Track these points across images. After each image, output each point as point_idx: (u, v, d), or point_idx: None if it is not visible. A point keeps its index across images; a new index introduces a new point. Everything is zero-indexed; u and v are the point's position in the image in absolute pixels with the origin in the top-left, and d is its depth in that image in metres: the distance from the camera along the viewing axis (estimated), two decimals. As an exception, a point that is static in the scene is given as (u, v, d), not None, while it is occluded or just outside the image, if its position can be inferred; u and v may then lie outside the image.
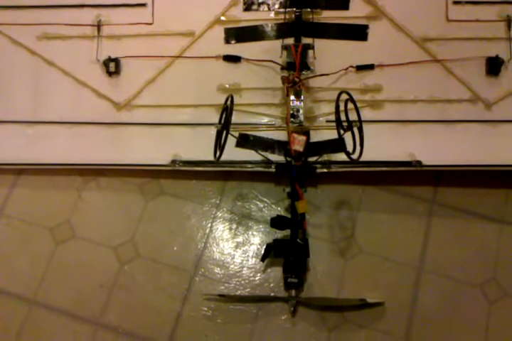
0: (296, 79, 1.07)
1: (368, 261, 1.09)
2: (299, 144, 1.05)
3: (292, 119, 1.09)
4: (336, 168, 1.09)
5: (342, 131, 0.92)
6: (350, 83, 1.15)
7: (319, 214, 1.12)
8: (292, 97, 1.10)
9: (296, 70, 1.08)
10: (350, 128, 0.89)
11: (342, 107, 0.91)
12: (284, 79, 1.09)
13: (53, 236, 1.12)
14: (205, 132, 1.10)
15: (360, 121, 0.88)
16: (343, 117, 0.91)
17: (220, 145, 0.90)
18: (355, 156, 0.90)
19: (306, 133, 1.08)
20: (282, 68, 1.11)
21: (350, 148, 0.91)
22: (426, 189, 1.14)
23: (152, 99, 1.17)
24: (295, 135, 1.05)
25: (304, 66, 1.10)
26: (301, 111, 1.10)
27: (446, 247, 1.11)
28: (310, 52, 1.11)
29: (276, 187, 1.15)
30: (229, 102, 0.90)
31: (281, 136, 1.12)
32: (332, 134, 1.01)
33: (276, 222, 1.03)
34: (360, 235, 1.11)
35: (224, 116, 0.91)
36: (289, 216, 1.05)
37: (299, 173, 1.04)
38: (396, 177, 1.13)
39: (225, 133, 0.89)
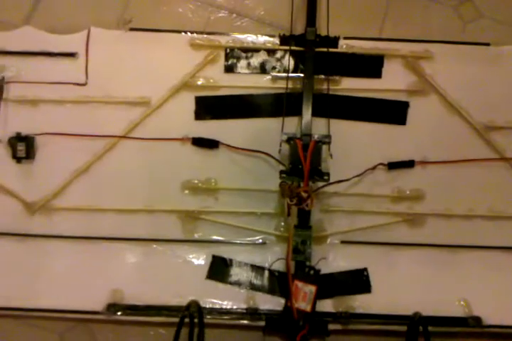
0: (304, 195, 0.69)
1: None
2: (304, 299, 0.68)
3: (296, 255, 0.71)
4: (356, 324, 0.73)
5: None
6: (378, 187, 0.79)
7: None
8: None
9: (304, 182, 0.69)
10: None
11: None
12: (284, 190, 0.70)
13: None
14: (162, 252, 0.78)
15: None
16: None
17: None
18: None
19: (316, 276, 0.71)
20: (281, 172, 0.72)
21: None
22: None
23: (82, 199, 0.79)
24: (299, 284, 0.69)
25: (316, 172, 0.71)
26: (308, 242, 0.72)
27: None
28: (324, 147, 0.73)
29: (267, 338, 0.78)
30: (192, 310, 0.54)
31: (276, 252, 0.77)
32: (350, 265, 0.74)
33: None
34: None
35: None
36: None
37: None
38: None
39: None
